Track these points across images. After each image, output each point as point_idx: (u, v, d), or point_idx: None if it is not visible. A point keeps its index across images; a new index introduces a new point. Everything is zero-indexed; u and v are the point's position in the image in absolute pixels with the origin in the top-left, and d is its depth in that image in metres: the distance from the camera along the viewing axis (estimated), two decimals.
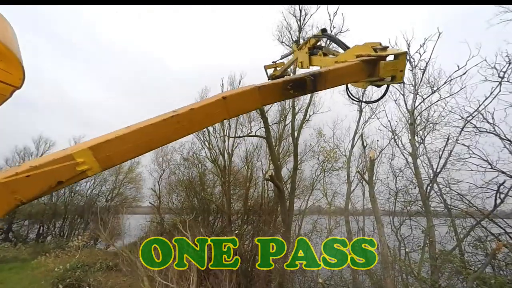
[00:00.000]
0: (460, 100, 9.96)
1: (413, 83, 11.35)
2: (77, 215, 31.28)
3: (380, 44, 1.58)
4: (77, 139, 34.89)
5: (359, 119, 13.42)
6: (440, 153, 9.00)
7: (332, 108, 14.24)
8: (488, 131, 8.32)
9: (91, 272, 15.44)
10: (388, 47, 1.56)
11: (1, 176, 0.84)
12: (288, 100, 14.65)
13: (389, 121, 11.10)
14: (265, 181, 14.92)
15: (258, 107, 1.51)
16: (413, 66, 11.40)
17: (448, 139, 8.68)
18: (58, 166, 0.89)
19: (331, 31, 13.30)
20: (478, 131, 8.64)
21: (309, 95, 13.53)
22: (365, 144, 10.73)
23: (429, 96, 10.71)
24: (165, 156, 23.58)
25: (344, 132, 13.73)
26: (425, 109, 10.53)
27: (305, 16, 13.07)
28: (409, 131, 10.82)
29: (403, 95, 11.28)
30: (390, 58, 1.54)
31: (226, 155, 16.69)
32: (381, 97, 1.88)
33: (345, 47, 1.96)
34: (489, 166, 7.92)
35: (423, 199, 9.62)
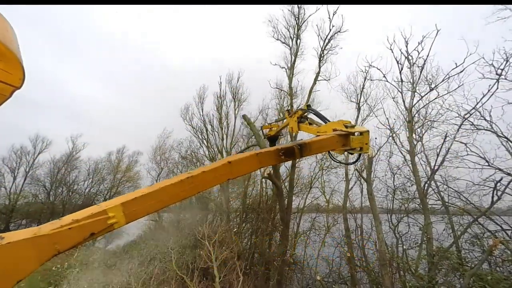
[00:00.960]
0: (458, 98, 10.03)
1: (411, 80, 11.36)
2: None
3: (350, 122, 2.03)
4: (74, 138, 35.02)
5: (357, 117, 13.43)
6: (438, 150, 9.02)
7: (330, 105, 14.22)
8: (485, 128, 8.35)
9: (89, 271, 15.41)
10: (355, 125, 1.99)
11: (47, 228, 0.93)
12: (287, 97, 14.61)
13: (387, 118, 11.09)
14: (263, 180, 14.93)
15: (256, 169, 1.73)
16: (411, 64, 11.42)
17: (446, 136, 8.70)
18: (93, 220, 1.01)
19: (330, 30, 13.29)
20: (475, 128, 8.68)
21: (307, 90, 13.52)
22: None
23: (427, 93, 10.71)
24: (163, 155, 23.54)
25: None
26: (423, 106, 10.54)
27: (303, 15, 12.99)
28: (407, 129, 10.82)
29: (401, 92, 11.27)
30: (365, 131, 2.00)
31: (224, 153, 16.67)
32: (355, 161, 2.37)
33: (325, 120, 2.47)
34: (486, 164, 7.96)
35: (421, 197, 9.65)
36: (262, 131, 4.50)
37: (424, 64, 10.27)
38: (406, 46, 11.46)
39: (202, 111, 18.53)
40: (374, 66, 11.64)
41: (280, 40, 14.47)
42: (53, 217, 30.58)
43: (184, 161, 20.48)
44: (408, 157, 10.65)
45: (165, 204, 1.24)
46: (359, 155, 2.13)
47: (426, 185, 9.58)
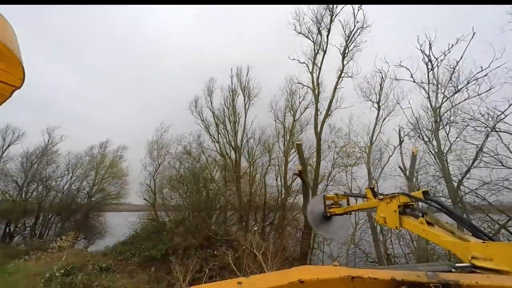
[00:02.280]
0: (488, 100, 10.42)
1: (435, 82, 11.67)
2: (52, 213, 28.21)
3: None
4: (50, 130, 31.76)
5: (377, 116, 13.58)
6: (477, 149, 9.28)
7: (346, 103, 14.22)
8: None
9: (86, 275, 13.93)
10: None
11: None
12: (311, 94, 14.28)
13: (415, 118, 11.27)
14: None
15: None
16: (437, 65, 11.73)
17: (487, 136, 8.95)
18: None
19: (355, 26, 13.23)
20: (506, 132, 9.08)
21: (331, 88, 13.36)
22: (401, 140, 10.82)
23: (453, 95, 11.06)
24: (161, 150, 22.09)
25: (362, 129, 13.80)
26: (451, 108, 10.84)
27: (333, 9, 12.77)
28: (434, 129, 11.10)
29: (428, 93, 11.53)
30: None
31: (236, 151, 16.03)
32: None
33: (462, 221, 1.54)
34: None
35: (452, 195, 9.91)
36: (324, 203, 3.11)
37: (456, 66, 10.54)
38: (430, 49, 11.79)
39: (212, 105, 17.67)
40: (403, 66, 11.78)
41: (304, 34, 14.17)
42: (26, 216, 27.53)
43: (187, 156, 19.37)
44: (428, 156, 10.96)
45: None
46: None
47: (460, 183, 9.86)
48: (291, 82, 17.74)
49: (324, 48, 13.11)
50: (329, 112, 12.92)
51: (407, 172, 9.34)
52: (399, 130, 11.09)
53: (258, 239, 14.23)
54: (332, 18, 12.58)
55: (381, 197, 2.10)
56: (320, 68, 13.20)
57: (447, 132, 10.84)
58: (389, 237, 11.20)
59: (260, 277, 0.94)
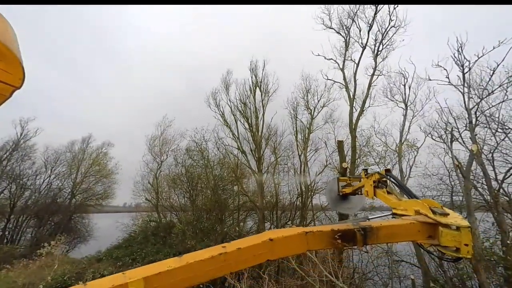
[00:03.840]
0: None
1: (466, 84, 11.91)
2: (28, 215, 24.88)
3: (442, 207, 1.49)
4: (24, 122, 28.05)
5: (405, 115, 13.62)
6: None
7: (374, 102, 14.11)
8: None
9: None
10: (448, 214, 1.42)
11: None
12: (345, 91, 13.91)
13: (453, 118, 11.37)
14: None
15: (302, 252, 1.41)
16: (468, 67, 11.98)
17: None
18: None
19: (389, 24, 13.14)
20: None
21: (366, 86, 13.12)
22: (453, 139, 10.82)
23: (487, 96, 11.32)
24: (163, 146, 20.44)
25: (390, 127, 13.79)
26: (487, 109, 11.07)
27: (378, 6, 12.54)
28: (470, 130, 11.27)
29: (463, 94, 11.70)
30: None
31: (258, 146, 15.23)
32: (455, 260, 1.43)
33: (407, 193, 2.03)
34: None
35: (493, 194, 10.08)
36: (338, 184, 3.64)
37: (496, 68, 10.75)
38: (462, 51, 12.02)
39: (229, 100, 16.68)
40: (441, 66, 11.83)
41: (334, 29, 13.80)
42: None
43: (197, 153, 18.09)
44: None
45: (191, 283, 1.10)
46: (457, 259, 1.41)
47: (498, 185, 10.05)
48: (307, 80, 17.38)
49: (364, 44, 12.86)
50: (363, 109, 12.70)
51: (458, 171, 9.32)
52: (451, 129, 11.10)
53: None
54: (376, 13, 12.35)
55: (367, 174, 2.77)
56: (357, 64, 12.92)
57: (486, 134, 11.08)
58: None
59: (240, 241, 1.26)
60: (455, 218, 1.39)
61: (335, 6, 13.88)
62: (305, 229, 1.32)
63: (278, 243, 1.26)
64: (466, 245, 1.29)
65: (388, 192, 2.27)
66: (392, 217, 1.80)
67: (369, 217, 1.66)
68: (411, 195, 1.97)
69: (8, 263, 15.08)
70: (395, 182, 2.32)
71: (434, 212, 1.44)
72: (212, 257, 1.14)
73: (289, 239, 1.29)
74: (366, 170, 2.91)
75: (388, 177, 2.40)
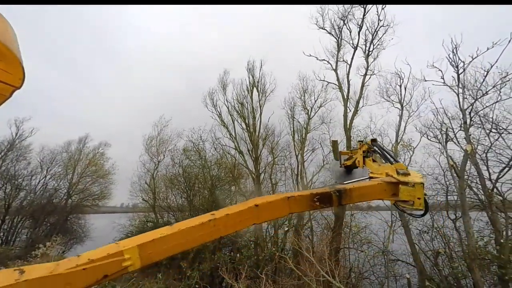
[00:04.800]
0: None
1: (460, 85, 12.04)
2: (23, 216, 24.61)
3: (407, 168, 1.70)
4: (19, 122, 27.66)
5: (401, 116, 13.74)
6: None
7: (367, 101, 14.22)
8: None
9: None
10: (409, 174, 1.63)
11: (62, 267, 0.93)
12: (339, 91, 14.00)
13: (448, 118, 11.50)
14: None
15: (285, 215, 1.73)
16: (463, 68, 12.11)
17: None
18: (108, 261, 0.98)
19: (378, 24, 13.28)
20: None
21: (359, 85, 13.23)
22: (448, 139, 10.93)
23: (481, 97, 11.46)
24: (160, 146, 20.35)
25: (386, 127, 13.91)
26: (482, 109, 11.20)
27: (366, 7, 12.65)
28: (464, 130, 11.40)
29: (458, 94, 11.84)
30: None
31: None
32: (421, 215, 1.74)
33: (386, 159, 2.20)
34: None
35: (486, 194, 10.21)
36: (340, 158, 3.90)
37: (489, 69, 10.88)
38: (456, 52, 12.14)
39: (226, 100, 16.67)
40: (436, 67, 11.97)
41: (326, 30, 13.88)
42: None
43: (194, 153, 18.06)
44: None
45: (183, 248, 1.18)
46: (426, 206, 1.63)
47: (492, 184, 10.18)
48: (304, 80, 17.43)
49: (355, 45, 12.96)
50: (357, 109, 12.79)
51: (453, 170, 9.43)
52: (446, 129, 11.21)
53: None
54: (365, 14, 12.47)
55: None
56: (350, 65, 13.03)
57: (479, 134, 11.21)
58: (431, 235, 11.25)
59: (227, 208, 1.32)
60: (414, 177, 1.59)
61: (329, 7, 13.99)
62: (287, 194, 1.43)
63: (263, 208, 1.35)
64: (419, 198, 1.51)
65: (374, 160, 2.47)
66: (369, 181, 1.93)
67: (344, 182, 1.78)
68: (389, 160, 2.12)
69: (2, 264, 14.88)
70: (379, 150, 2.48)
71: (398, 173, 1.63)
72: (202, 223, 1.20)
73: (273, 204, 1.38)
74: (361, 141, 3.08)
75: (373, 146, 2.61)
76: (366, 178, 2.06)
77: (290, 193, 1.45)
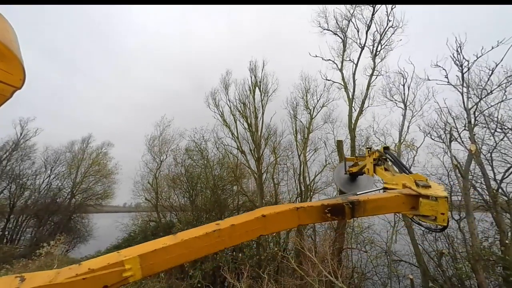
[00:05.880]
0: None
1: (465, 84, 11.92)
2: (27, 215, 24.88)
3: (427, 180, 1.58)
4: (24, 122, 27.97)
5: (404, 115, 13.63)
6: None
7: (373, 102, 14.12)
8: None
9: None
10: (430, 186, 1.51)
11: (63, 276, 0.91)
12: (344, 91, 13.93)
13: (452, 118, 11.40)
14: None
15: (294, 227, 1.47)
16: (467, 67, 11.99)
17: None
18: (109, 271, 0.95)
19: (387, 24, 13.18)
20: None
21: (365, 85, 13.15)
22: (452, 139, 10.84)
23: (485, 96, 11.34)
24: (163, 146, 20.44)
25: (389, 127, 13.83)
26: (486, 109, 11.08)
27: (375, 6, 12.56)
28: (469, 130, 11.28)
29: (462, 94, 11.72)
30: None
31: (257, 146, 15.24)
32: (443, 229, 1.57)
33: (401, 169, 2.13)
34: None
35: (491, 194, 10.10)
36: (345, 164, 3.76)
37: (495, 67, 10.76)
38: (460, 51, 12.02)
39: (229, 100, 16.69)
40: (440, 66, 11.86)
41: (331, 31, 13.82)
42: None
43: (197, 153, 18.11)
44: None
45: (186, 259, 1.14)
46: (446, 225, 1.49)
47: (497, 184, 10.06)
48: (307, 80, 17.40)
49: (362, 44, 12.88)
50: (362, 110, 12.73)
51: (457, 170, 9.35)
52: (450, 129, 11.11)
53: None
54: (373, 14, 12.39)
55: (369, 153, 2.85)
56: (356, 65, 12.95)
57: (484, 134, 11.10)
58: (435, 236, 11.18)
59: (233, 218, 1.27)
60: (436, 189, 1.47)
61: (332, 7, 13.92)
62: (296, 205, 1.36)
63: (271, 219, 1.30)
64: (443, 214, 1.39)
65: (385, 169, 2.35)
66: (383, 192, 1.84)
67: (358, 193, 1.70)
68: (404, 170, 2.05)
69: (7, 263, 15.07)
70: (391, 159, 2.40)
71: (417, 185, 1.53)
72: (206, 234, 1.16)
73: (281, 215, 1.33)
74: (370, 148, 2.97)
75: (386, 154, 2.51)
76: (380, 189, 1.95)
77: (300, 203, 1.39)
